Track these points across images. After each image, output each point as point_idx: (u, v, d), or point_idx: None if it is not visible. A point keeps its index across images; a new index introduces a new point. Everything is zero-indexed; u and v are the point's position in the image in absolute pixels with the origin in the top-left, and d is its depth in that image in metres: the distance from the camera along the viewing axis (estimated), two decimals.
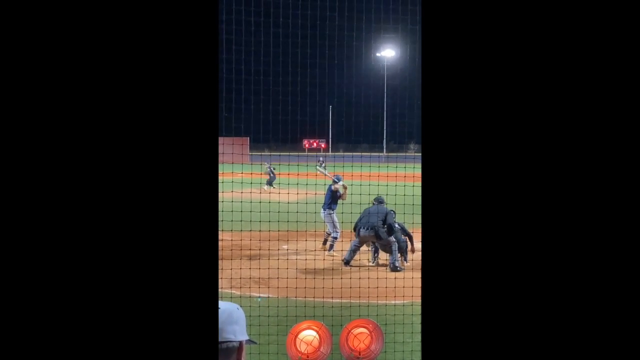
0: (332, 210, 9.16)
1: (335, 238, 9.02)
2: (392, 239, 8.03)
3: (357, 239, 8.23)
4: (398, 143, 52.89)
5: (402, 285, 5.47)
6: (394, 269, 7.81)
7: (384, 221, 8.09)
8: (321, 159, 21.28)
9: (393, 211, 8.43)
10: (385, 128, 50.60)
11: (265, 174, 19.07)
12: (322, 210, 9.25)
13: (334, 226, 9.10)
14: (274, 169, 20.00)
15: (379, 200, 8.47)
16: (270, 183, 19.33)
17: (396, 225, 8.20)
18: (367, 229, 8.05)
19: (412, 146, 54.51)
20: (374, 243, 8.34)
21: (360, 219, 8.24)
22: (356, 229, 8.24)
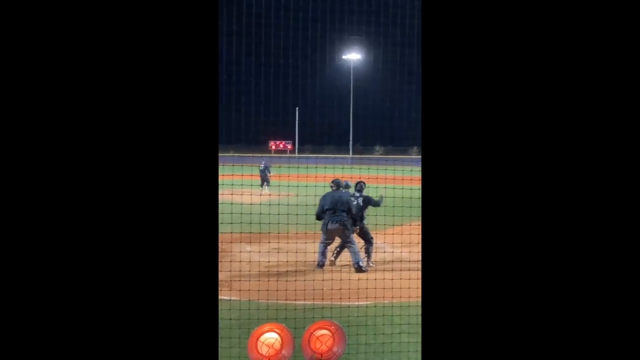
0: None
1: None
2: (353, 237, 7.84)
3: (323, 236, 7.84)
4: (364, 145, 53.37)
5: (366, 286, 5.47)
6: (359, 269, 7.68)
7: (347, 211, 7.79)
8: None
9: (357, 192, 8.10)
10: (351, 130, 50.98)
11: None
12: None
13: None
14: (269, 171, 18.87)
15: (337, 184, 7.98)
16: (267, 184, 18.16)
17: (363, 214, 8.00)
18: (335, 222, 7.72)
19: (377, 148, 55.03)
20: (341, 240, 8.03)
21: (322, 208, 7.79)
22: (320, 218, 7.87)
